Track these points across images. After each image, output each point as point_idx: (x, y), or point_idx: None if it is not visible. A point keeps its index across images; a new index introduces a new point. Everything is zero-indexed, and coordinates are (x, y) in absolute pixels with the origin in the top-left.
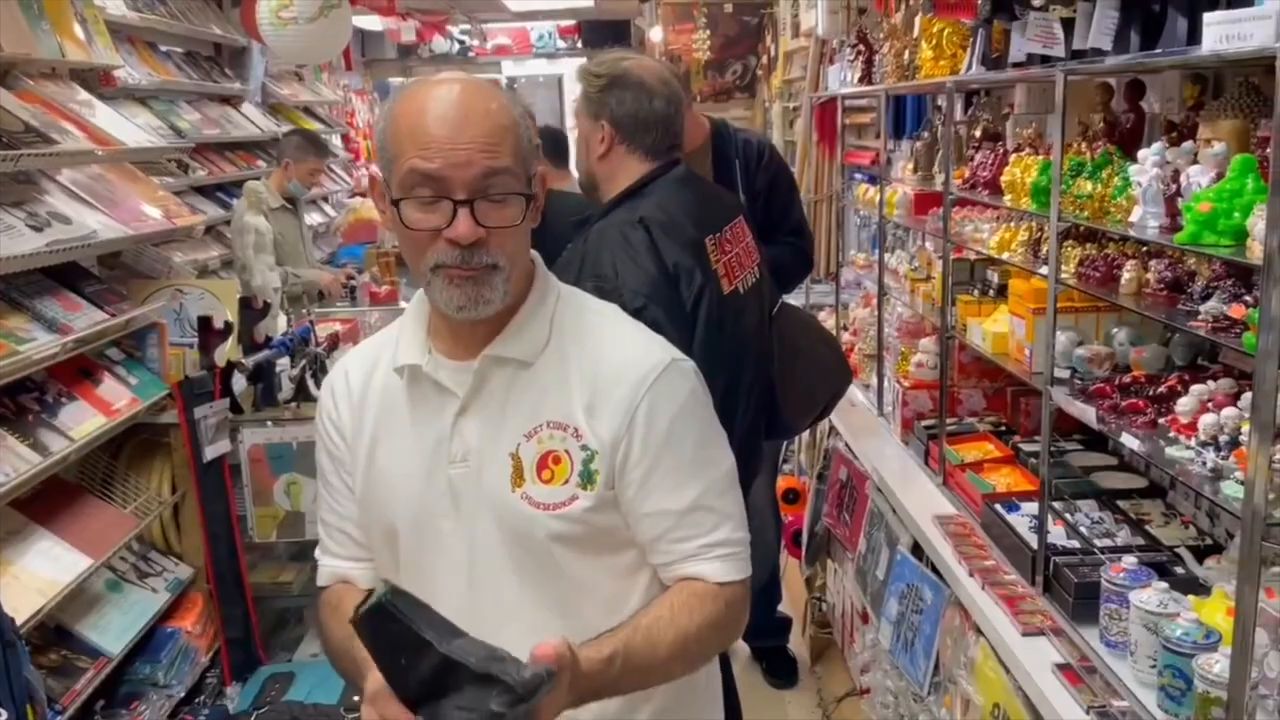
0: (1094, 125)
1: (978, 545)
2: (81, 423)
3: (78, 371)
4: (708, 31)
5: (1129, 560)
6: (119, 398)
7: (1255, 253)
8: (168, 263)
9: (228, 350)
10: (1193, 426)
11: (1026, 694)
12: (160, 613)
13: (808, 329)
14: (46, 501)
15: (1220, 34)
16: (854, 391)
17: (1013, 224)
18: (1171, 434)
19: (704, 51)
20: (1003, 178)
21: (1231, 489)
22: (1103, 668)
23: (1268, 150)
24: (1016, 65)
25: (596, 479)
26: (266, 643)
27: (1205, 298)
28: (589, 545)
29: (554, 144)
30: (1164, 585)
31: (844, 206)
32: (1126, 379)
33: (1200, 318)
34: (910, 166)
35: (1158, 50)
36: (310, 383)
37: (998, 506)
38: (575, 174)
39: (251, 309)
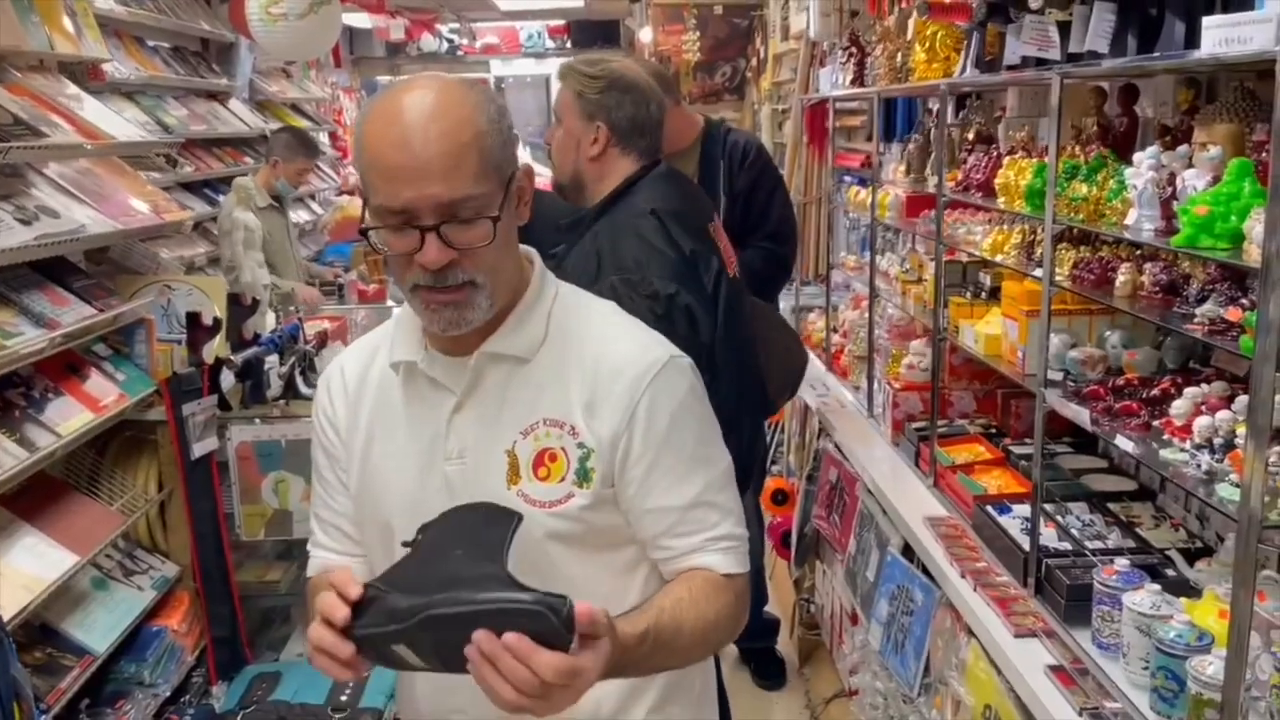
0: (1087, 129)
1: (969, 547)
2: (69, 418)
3: (65, 367)
4: (697, 33)
5: (1121, 562)
6: (106, 394)
7: (1252, 256)
8: (155, 259)
9: (216, 347)
10: (1187, 429)
11: (1019, 695)
12: (146, 611)
13: (767, 315)
14: (33, 498)
15: (1219, 37)
16: (844, 393)
17: (1005, 226)
18: (1165, 436)
19: (693, 53)
20: (996, 180)
21: (1226, 491)
22: (1095, 669)
23: (1263, 154)
24: (1011, 68)
25: (593, 477)
26: (253, 642)
27: (1200, 301)
28: (585, 543)
29: None
30: (1156, 587)
31: (834, 209)
32: (1120, 381)
33: (1196, 320)
34: (902, 169)
35: (1155, 54)
36: (299, 380)
37: (989, 508)
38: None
39: (240, 305)
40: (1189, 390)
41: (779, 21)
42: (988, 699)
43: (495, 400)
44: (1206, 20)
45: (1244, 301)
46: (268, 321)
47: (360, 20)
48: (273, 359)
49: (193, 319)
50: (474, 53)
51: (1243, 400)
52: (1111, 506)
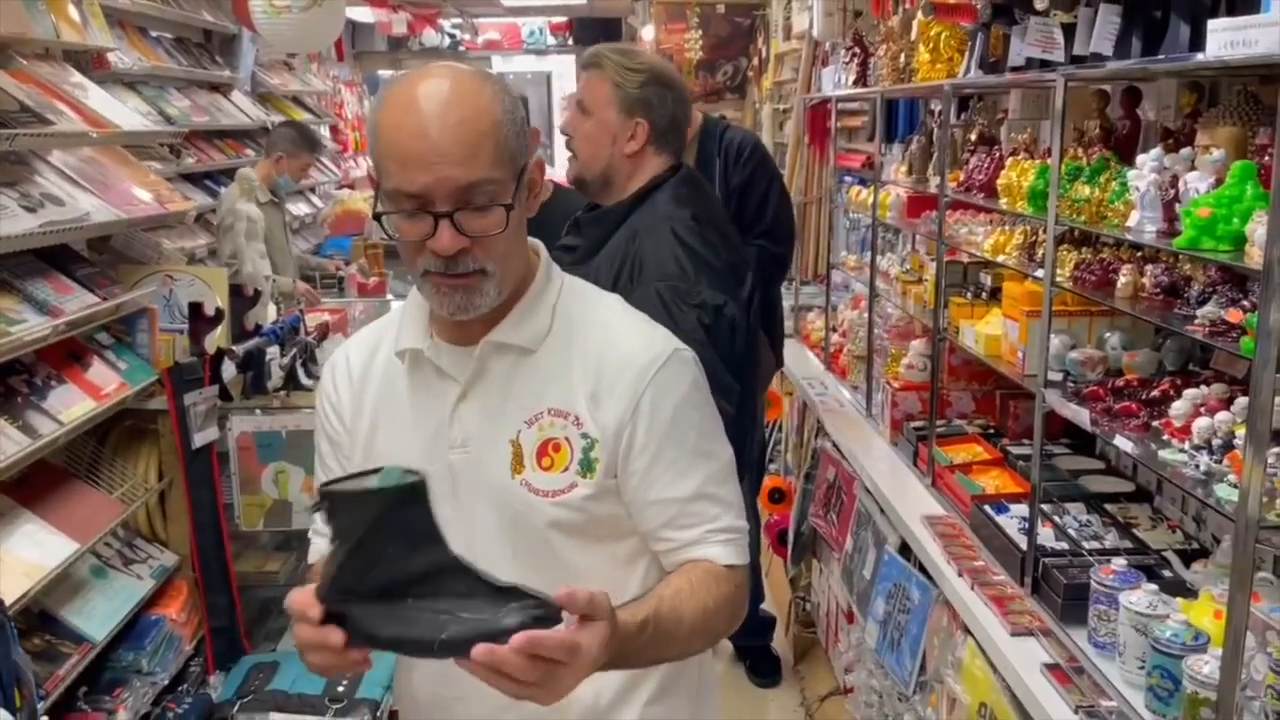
0: (1090, 131)
1: (966, 546)
2: (70, 406)
3: (67, 355)
4: (700, 31)
5: (1118, 563)
6: (108, 382)
7: (1254, 258)
8: (158, 248)
9: (217, 337)
10: (1186, 430)
11: (1014, 693)
12: (145, 600)
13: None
14: (33, 485)
15: (1225, 40)
16: (842, 392)
17: (1007, 227)
18: (1165, 437)
19: (695, 51)
20: (998, 181)
21: (1225, 491)
22: (1091, 668)
23: (1266, 157)
24: (1015, 69)
25: (596, 467)
26: (251, 632)
27: (1201, 302)
28: (587, 533)
29: None
30: (1153, 587)
31: (834, 209)
32: (1119, 383)
33: (1197, 322)
34: (903, 169)
35: (1160, 56)
36: (300, 372)
37: (987, 508)
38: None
39: (242, 297)
40: (1188, 392)
41: (781, 21)
42: (983, 697)
43: (500, 390)
44: (1212, 23)
45: (1245, 303)
46: (269, 313)
47: (363, 14)
48: (274, 350)
49: (195, 309)
50: (476, 48)
51: (1242, 402)
52: (1109, 507)
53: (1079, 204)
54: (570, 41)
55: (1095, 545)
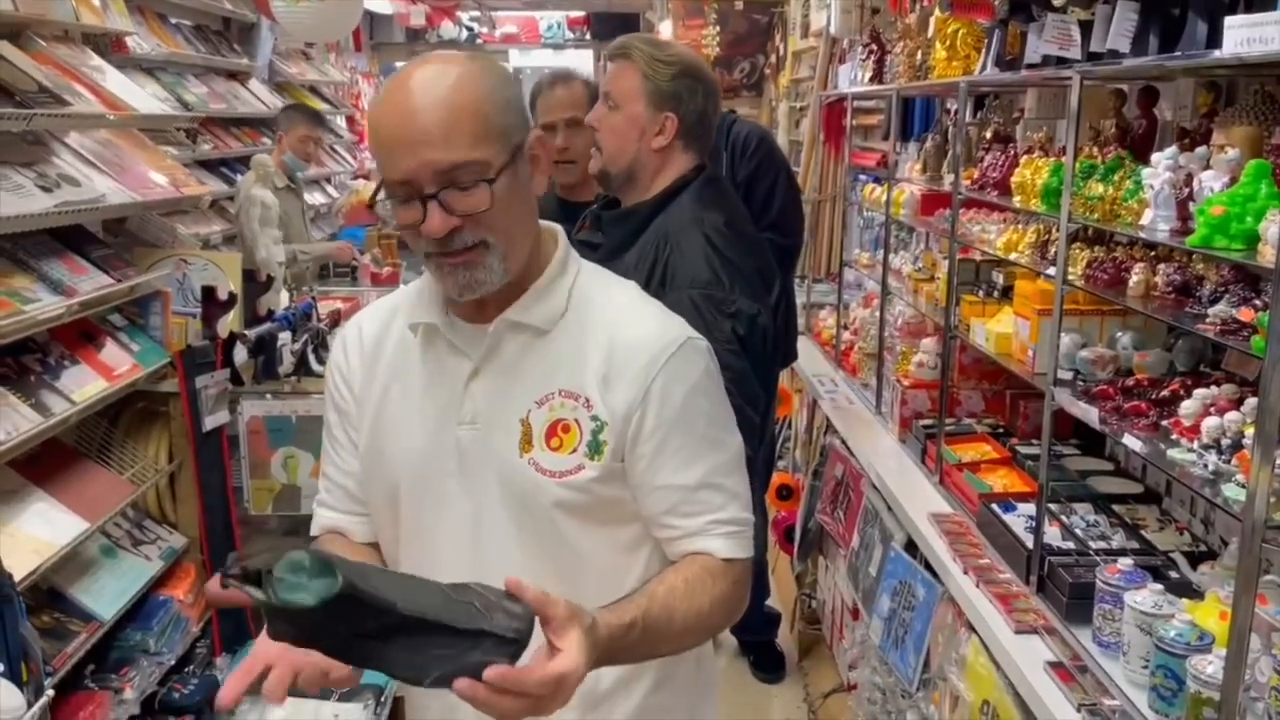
0: (1106, 130)
1: (972, 544)
2: (83, 386)
3: (80, 335)
4: (717, 28)
5: (1125, 562)
6: (121, 363)
7: (1267, 257)
8: (173, 232)
9: (230, 322)
10: (1195, 430)
11: (1018, 691)
12: (153, 580)
13: None
14: (45, 464)
15: (1242, 37)
16: (851, 390)
17: (1020, 225)
18: (1174, 437)
19: (713, 48)
20: (1013, 179)
21: (1232, 491)
22: (1095, 667)
23: None
24: (1031, 67)
25: (604, 450)
26: (257, 615)
27: (1213, 301)
28: (591, 515)
29: None
30: (1159, 587)
31: (849, 206)
32: (1129, 382)
33: (1209, 320)
34: (918, 167)
35: (1177, 53)
36: (311, 357)
37: (994, 506)
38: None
39: (255, 282)
40: (1198, 392)
41: (799, 19)
42: (986, 694)
43: (512, 369)
44: (1229, 20)
45: (1257, 303)
46: (281, 300)
47: (381, 5)
48: (285, 335)
49: (208, 293)
50: (493, 41)
51: (1252, 402)
52: (1116, 508)
53: (1092, 202)
54: (588, 36)
55: (1102, 545)
